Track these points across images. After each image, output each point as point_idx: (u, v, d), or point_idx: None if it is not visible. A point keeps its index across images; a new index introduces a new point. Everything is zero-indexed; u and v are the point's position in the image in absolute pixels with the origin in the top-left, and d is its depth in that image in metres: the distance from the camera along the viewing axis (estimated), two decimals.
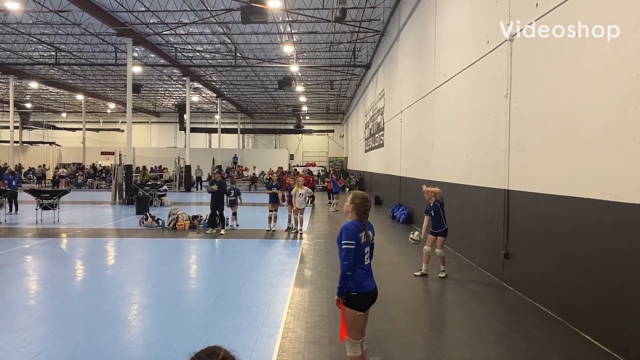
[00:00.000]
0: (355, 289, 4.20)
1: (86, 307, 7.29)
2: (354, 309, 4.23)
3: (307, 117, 52.16)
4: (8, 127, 37.25)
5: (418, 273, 9.36)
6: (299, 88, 35.62)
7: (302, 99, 42.20)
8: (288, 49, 25.36)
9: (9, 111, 35.88)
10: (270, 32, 22.96)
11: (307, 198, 15.01)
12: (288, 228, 14.86)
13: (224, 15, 20.02)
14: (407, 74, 17.44)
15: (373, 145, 27.49)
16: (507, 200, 8.38)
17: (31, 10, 19.75)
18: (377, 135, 25.64)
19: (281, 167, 37.68)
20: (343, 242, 4.19)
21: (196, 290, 8.64)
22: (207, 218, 14.96)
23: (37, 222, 16.20)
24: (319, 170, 44.55)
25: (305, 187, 15.12)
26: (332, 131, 52.87)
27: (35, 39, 24.52)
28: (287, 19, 21.04)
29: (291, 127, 50.22)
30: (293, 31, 22.97)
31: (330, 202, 24.50)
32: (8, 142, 37.53)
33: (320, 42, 24.60)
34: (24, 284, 8.85)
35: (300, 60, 28.15)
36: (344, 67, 29.19)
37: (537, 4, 7.31)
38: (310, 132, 50.70)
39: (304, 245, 12.69)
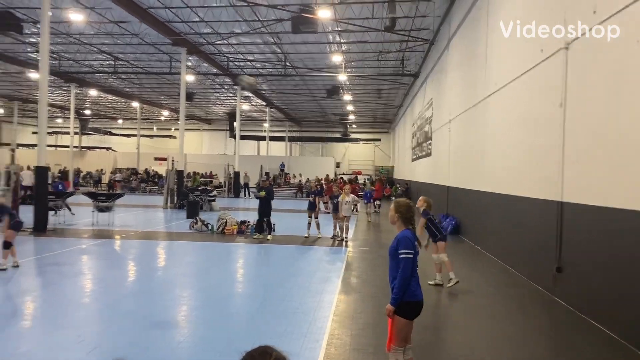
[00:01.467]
0: (408, 297, 4.20)
1: (137, 307, 7.53)
2: (405, 317, 4.23)
3: (354, 126, 52.19)
4: (69, 133, 39.06)
5: (432, 282, 9.13)
6: (347, 97, 35.73)
7: (350, 107, 42.30)
8: (337, 58, 25.52)
9: (69, 117, 37.63)
10: (319, 42, 23.18)
11: (353, 206, 15.01)
12: (334, 235, 14.88)
13: (274, 25, 20.38)
14: (456, 83, 17.21)
15: (420, 155, 27.21)
16: (560, 212, 8.12)
17: (93, 21, 20.70)
18: (424, 145, 25.38)
19: (327, 175, 37.84)
20: (402, 251, 4.19)
21: (243, 294, 8.78)
22: (255, 223, 15.18)
23: (93, 223, 16.87)
24: (364, 179, 44.41)
25: (352, 195, 15.13)
26: (379, 140, 52.66)
27: (96, 49, 25.66)
28: (336, 29, 21.20)
29: (338, 135, 50.36)
30: (342, 40, 23.10)
31: (375, 211, 24.38)
32: (68, 146, 39.33)
33: (369, 51, 24.63)
34: (80, 282, 9.23)
35: (349, 69, 28.26)
36: (392, 76, 29.10)
37: (594, 11, 7.09)
38: (356, 140, 50.70)
39: (349, 253, 12.67)
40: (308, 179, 39.88)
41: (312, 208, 15.30)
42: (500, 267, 10.93)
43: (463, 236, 15.54)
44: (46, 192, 15.52)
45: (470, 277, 9.78)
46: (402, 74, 27.14)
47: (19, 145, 43.99)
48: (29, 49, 25.92)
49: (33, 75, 28.66)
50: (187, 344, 5.96)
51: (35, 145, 41.31)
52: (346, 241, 14.19)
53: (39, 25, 16.77)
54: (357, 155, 53.70)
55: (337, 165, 50.52)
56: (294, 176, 43.79)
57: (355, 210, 16.77)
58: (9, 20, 19.12)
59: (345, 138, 49.49)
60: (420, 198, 9.41)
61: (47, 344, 5.80)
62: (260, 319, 6.93)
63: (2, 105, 46.94)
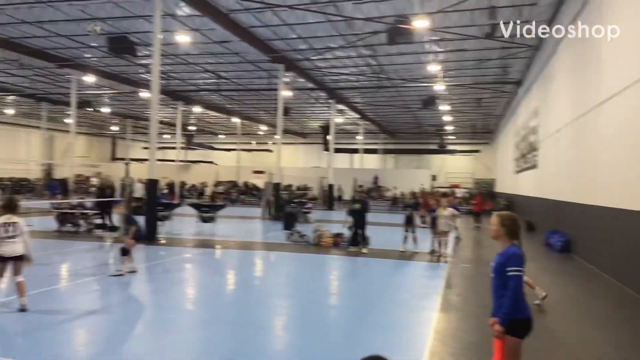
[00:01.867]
0: (517, 315, 3.96)
1: (238, 314, 7.71)
2: (515, 336, 3.96)
3: (452, 137, 50.79)
4: (175, 148, 41.60)
5: (537, 301, 8.36)
6: (444, 107, 34.87)
7: (447, 118, 41.24)
8: (433, 68, 25.00)
9: (176, 133, 40.08)
10: (415, 52, 22.85)
11: (452, 221, 14.47)
12: (432, 251, 14.43)
13: (370, 37, 20.38)
14: (565, 90, 16.15)
15: (524, 166, 25.82)
16: None
17: (198, 42, 21.91)
18: (529, 156, 24.05)
19: (423, 188, 37.04)
20: (511, 269, 3.98)
21: (339, 306, 8.72)
22: (350, 236, 15.13)
23: (197, 233, 17.70)
24: (463, 193, 42.97)
25: (450, 209, 14.61)
26: (479, 151, 50.77)
27: (200, 68, 27.15)
28: (433, 38, 20.80)
29: (434, 147, 49.23)
30: (439, 49, 22.62)
31: (476, 226, 23.44)
32: (174, 161, 41.86)
33: (467, 59, 23.90)
34: (186, 289, 9.65)
35: (446, 79, 27.59)
36: (493, 84, 27.99)
37: None
38: (454, 152, 49.25)
39: (449, 269, 12.20)
40: (402, 192, 39.32)
41: (409, 222, 14.96)
42: (617, 288, 9.97)
43: (575, 254, 14.44)
44: (156, 203, 16.51)
45: (581, 298, 9.01)
46: (504, 82, 26.00)
47: (131, 159, 47.53)
48: (141, 70, 27.95)
49: (144, 94, 30.86)
50: (288, 353, 5.98)
51: (145, 159, 44.38)
52: (445, 257, 13.69)
53: (150, 48, 18.01)
54: (455, 168, 52.12)
55: (434, 178, 49.29)
56: (388, 189, 43.38)
57: (454, 226, 16.12)
58: (125, 44, 20.72)
59: (442, 150, 48.25)
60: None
61: (158, 346, 6.07)
62: (358, 332, 6.81)
63: (117, 123, 51.02)
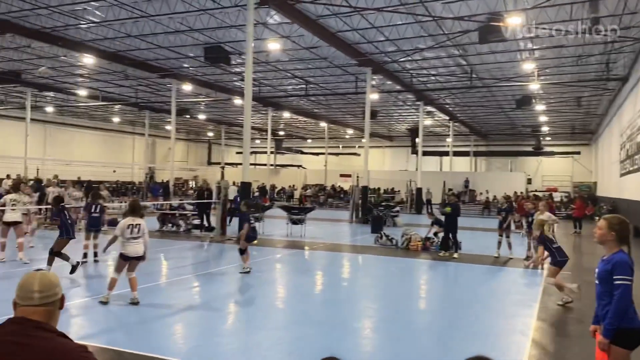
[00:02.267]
0: (626, 324, 3.68)
1: (328, 315, 7.82)
2: (624, 347, 3.69)
3: (548, 138, 48.16)
4: (266, 152, 42.89)
5: (561, 302, 8.54)
6: (540, 106, 33.16)
7: (543, 118, 39.18)
8: (528, 66, 23.88)
9: (266, 138, 41.35)
10: (508, 50, 21.97)
11: (550, 227, 13.71)
12: (527, 257, 13.79)
13: (460, 37, 19.89)
14: None
15: (631, 169, 23.94)
16: None
17: (288, 49, 22.50)
18: (636, 157, 22.28)
19: (520, 192, 35.45)
20: (619, 277, 3.71)
21: (430, 310, 8.58)
22: (440, 240, 14.83)
23: (287, 235, 18.15)
24: (561, 197, 40.65)
25: (547, 213, 13.88)
26: (578, 153, 47.70)
27: (289, 74, 27.84)
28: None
29: (529, 148, 46.92)
30: (534, 47, 21.59)
31: (576, 231, 22.11)
32: (265, 165, 43.17)
33: (565, 55, 22.59)
34: (276, 288, 9.94)
35: (542, 77, 26.25)
36: (595, 82, 26.23)
37: None
38: (551, 154, 46.65)
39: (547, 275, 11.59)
40: (495, 196, 37.88)
41: (503, 226, 14.40)
42: None
43: None
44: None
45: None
46: (607, 79, 24.26)
47: (226, 163, 49.62)
48: (234, 78, 29.15)
49: (237, 101, 32.13)
50: (378, 356, 5.98)
51: (238, 163, 46.20)
52: (542, 263, 13.02)
53: (243, 57, 18.79)
54: (552, 170, 49.33)
55: (529, 181, 46.97)
56: (480, 193, 41.95)
57: (552, 230, 15.26)
58: (220, 53, 21.76)
59: (537, 152, 45.85)
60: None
61: (250, 342, 6.31)
62: (450, 338, 6.68)
63: (212, 129, 53.50)
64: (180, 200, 22.55)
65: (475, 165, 51.39)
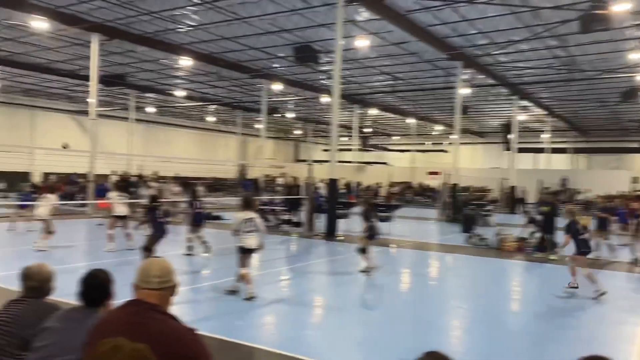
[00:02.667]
0: None
1: (417, 313, 7.72)
2: None
3: None
4: (351, 150, 43.01)
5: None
6: None
7: None
8: (636, 56, 22.09)
9: (352, 135, 41.43)
10: (613, 39, 20.43)
11: None
12: (635, 259, 12.78)
13: (558, 27, 18.78)
14: None
15: None
16: None
17: (376, 45, 22.39)
18: None
19: (626, 193, 32.93)
20: None
21: (525, 312, 8.22)
22: (536, 241, 14.13)
23: None
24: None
25: None
26: None
27: (377, 71, 27.70)
28: (636, 22, 18.40)
29: (635, 145, 43.40)
30: None
31: None
32: (351, 162, 43.32)
33: None
34: (363, 285, 9.94)
35: None
36: None
37: None
38: None
39: None
40: (598, 195, 35.43)
41: (602, 227, 13.47)
42: None
43: None
44: (336, 202, 17.28)
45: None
46: None
47: (313, 161, 50.35)
48: (322, 77, 29.48)
49: (325, 99, 32.49)
50: (473, 357, 5.82)
51: (325, 161, 46.70)
52: None
53: (331, 55, 18.94)
54: None
55: (635, 180, 43.53)
56: (579, 192, 39.43)
57: None
58: (309, 52, 22.10)
59: None
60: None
61: (336, 337, 6.37)
62: (548, 342, 6.35)
63: (300, 127, 54.49)
64: (270, 196, 23.19)
65: (574, 163, 48.41)
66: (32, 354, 2.73)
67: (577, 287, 8.91)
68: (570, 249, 9.27)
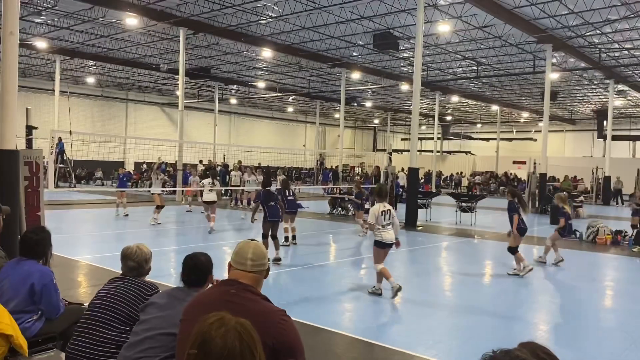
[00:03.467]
0: None
1: (499, 306, 7.45)
2: None
3: None
4: (432, 138, 42.11)
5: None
6: None
7: None
8: None
9: (433, 124, 40.53)
10: None
11: None
12: None
13: None
14: None
15: None
16: None
17: (459, 29, 21.67)
18: None
19: None
20: None
21: (621, 310, 7.68)
22: (634, 234, 13.15)
23: (456, 222, 17.64)
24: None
25: None
26: None
27: (460, 56, 26.83)
28: None
29: None
30: None
31: None
32: (431, 151, 42.44)
33: None
34: (444, 276, 9.71)
35: None
36: None
37: None
38: None
39: None
40: None
41: None
42: None
43: None
44: (417, 191, 17.02)
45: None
46: None
47: (393, 150, 49.86)
48: (402, 64, 29.02)
49: (404, 87, 31.99)
50: (563, 353, 5.52)
51: (405, 150, 46.03)
52: None
53: (412, 41, 18.57)
54: None
55: None
56: None
57: None
58: (388, 39, 21.81)
59: None
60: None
61: (423, 327, 6.27)
62: None
63: (378, 116, 54.05)
64: (349, 185, 23.22)
65: None
66: (138, 325, 2.92)
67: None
68: None
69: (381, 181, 18.33)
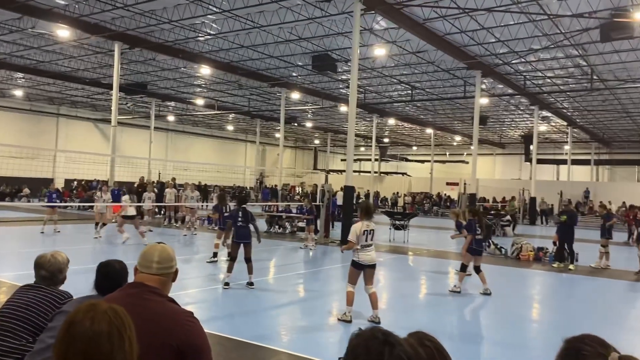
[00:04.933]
0: None
1: (431, 321, 7.65)
2: None
3: None
4: (370, 160, 42.96)
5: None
6: None
7: None
8: None
9: (371, 145, 41.42)
10: (636, 48, 20.15)
11: None
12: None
13: (579, 35, 18.62)
14: None
15: None
16: None
17: (394, 54, 22.42)
18: None
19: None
20: None
21: (542, 321, 8.09)
22: (554, 251, 13.91)
23: (389, 240, 18.01)
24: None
25: None
26: None
27: (395, 80, 27.70)
28: None
29: None
30: None
31: None
32: (369, 172, 43.24)
33: None
34: (378, 291, 9.88)
35: None
36: None
37: None
38: None
39: None
40: (618, 207, 34.78)
41: (604, 235, 13.45)
42: None
43: None
44: (352, 209, 17.26)
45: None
46: None
47: (330, 170, 50.40)
48: (340, 86, 29.59)
49: (343, 108, 32.57)
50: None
51: (343, 170, 46.59)
52: None
53: (350, 64, 19.00)
54: None
55: None
56: (603, 204, 38.77)
57: None
58: (327, 61, 22.24)
59: None
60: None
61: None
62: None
63: (318, 137, 54.65)
64: (287, 204, 23.26)
65: (596, 175, 47.63)
66: (45, 333, 2.80)
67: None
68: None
69: (319, 199, 18.49)
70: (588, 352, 1.40)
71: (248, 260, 8.96)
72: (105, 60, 24.98)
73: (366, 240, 6.83)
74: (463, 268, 9.55)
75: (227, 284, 8.80)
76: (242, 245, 8.95)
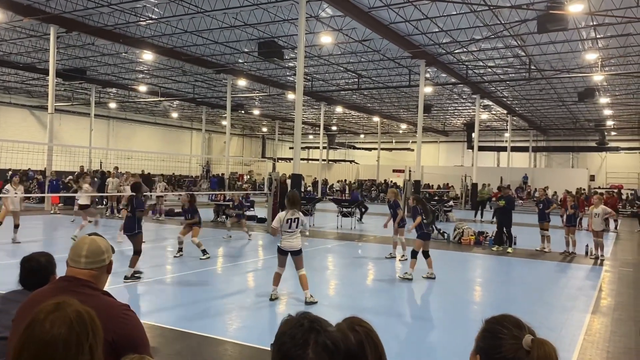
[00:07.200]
0: None
1: (378, 303, 7.82)
2: None
3: (613, 133, 45.91)
4: (318, 147, 43.12)
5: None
6: (604, 99, 31.66)
7: (607, 111, 37.38)
8: (591, 56, 22.84)
9: (319, 133, 41.53)
10: (570, 40, 21.07)
11: (604, 220, 12.96)
12: (564, 251, 13.33)
13: (518, 27, 19.27)
14: None
15: None
16: None
17: (340, 42, 22.50)
18: None
19: (584, 190, 33.98)
20: None
21: (481, 302, 8.42)
22: (494, 235, 14.47)
23: (337, 227, 18.20)
24: (627, 194, 38.70)
25: (602, 207, 13.18)
26: None
27: (342, 68, 27.83)
28: (591, 24, 19.02)
29: (592, 144, 44.90)
30: (598, 36, 20.60)
31: None
32: (317, 160, 43.43)
33: (632, 44, 21.44)
34: (325, 277, 10.00)
35: (607, 68, 25.03)
36: None
37: None
38: (616, 149, 44.48)
39: (605, 272, 11.12)
40: (555, 192, 36.55)
41: (541, 219, 14.14)
42: None
43: None
44: (300, 197, 17.32)
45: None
46: None
47: (278, 158, 50.28)
48: (287, 73, 29.45)
49: (291, 96, 32.45)
50: (419, 344, 5.94)
51: (291, 158, 46.55)
52: (602, 260, 12.49)
53: (296, 51, 18.90)
54: (618, 167, 47.00)
55: (592, 178, 45.04)
56: (536, 189, 40.56)
57: (607, 225, 14.47)
58: (273, 48, 22.04)
59: (601, 147, 43.83)
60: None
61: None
62: None
63: (266, 124, 54.31)
64: (234, 192, 23.04)
65: (534, 161, 49.73)
66: None
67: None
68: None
69: (266, 187, 18.41)
70: (504, 334, 1.48)
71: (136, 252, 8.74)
72: (41, 44, 23.81)
73: (290, 228, 7.22)
74: (414, 254, 9.73)
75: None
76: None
